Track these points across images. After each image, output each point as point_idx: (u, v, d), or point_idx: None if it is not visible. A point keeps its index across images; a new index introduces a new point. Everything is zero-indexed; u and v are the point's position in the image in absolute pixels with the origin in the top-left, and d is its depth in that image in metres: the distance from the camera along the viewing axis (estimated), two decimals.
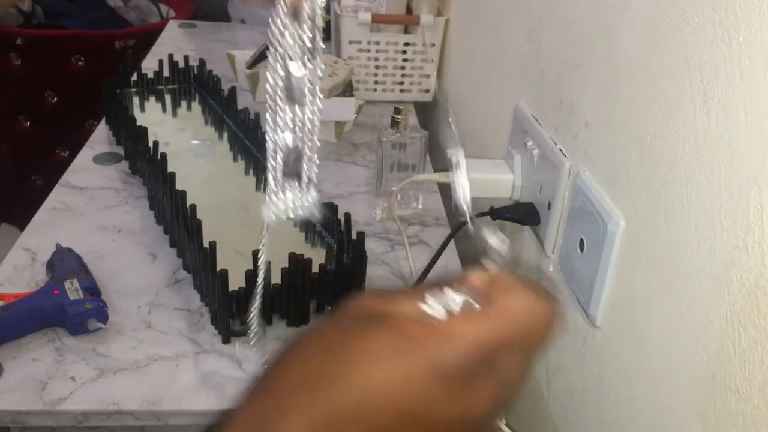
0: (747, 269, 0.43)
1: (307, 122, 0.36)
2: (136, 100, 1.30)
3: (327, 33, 1.54)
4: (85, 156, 1.17)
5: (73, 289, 0.80)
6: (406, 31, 1.34)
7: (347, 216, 0.88)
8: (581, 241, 0.64)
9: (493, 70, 1.00)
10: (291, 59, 0.34)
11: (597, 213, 0.61)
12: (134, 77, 1.32)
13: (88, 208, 1.03)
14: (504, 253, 0.35)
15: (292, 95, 0.35)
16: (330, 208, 0.92)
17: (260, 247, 0.39)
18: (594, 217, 0.61)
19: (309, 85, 0.35)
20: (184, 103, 1.32)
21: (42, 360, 0.75)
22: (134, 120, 1.11)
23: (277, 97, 0.35)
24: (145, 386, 0.73)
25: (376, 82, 1.36)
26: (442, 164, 1.25)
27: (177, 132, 1.22)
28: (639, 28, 0.56)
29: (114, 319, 0.81)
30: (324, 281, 0.83)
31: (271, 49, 0.34)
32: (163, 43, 1.67)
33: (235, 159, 1.15)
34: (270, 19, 0.34)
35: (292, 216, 0.37)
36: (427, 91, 1.38)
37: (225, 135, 1.20)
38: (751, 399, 0.42)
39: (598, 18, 0.64)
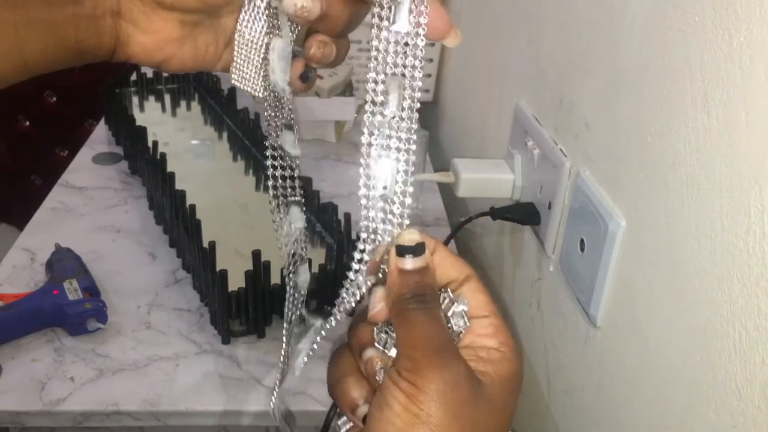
0: (748, 269, 0.43)
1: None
2: (135, 99, 1.30)
3: None
4: (84, 156, 1.17)
5: (72, 290, 0.80)
6: None
7: (347, 216, 0.88)
8: (582, 241, 0.64)
9: (493, 70, 1.00)
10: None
11: (597, 213, 0.61)
12: (134, 77, 1.32)
13: (87, 208, 1.03)
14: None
15: None
16: (330, 208, 0.92)
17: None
18: (594, 217, 0.61)
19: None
20: (183, 103, 1.32)
21: (41, 360, 0.75)
22: (133, 120, 1.11)
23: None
24: (144, 387, 0.73)
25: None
26: (442, 164, 1.25)
27: (176, 132, 1.22)
28: (639, 27, 0.56)
29: (113, 319, 0.81)
30: (324, 281, 0.83)
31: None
32: None
33: (234, 159, 1.15)
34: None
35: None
36: (427, 91, 1.38)
37: (225, 135, 1.20)
38: (752, 399, 0.42)
39: (598, 18, 0.64)
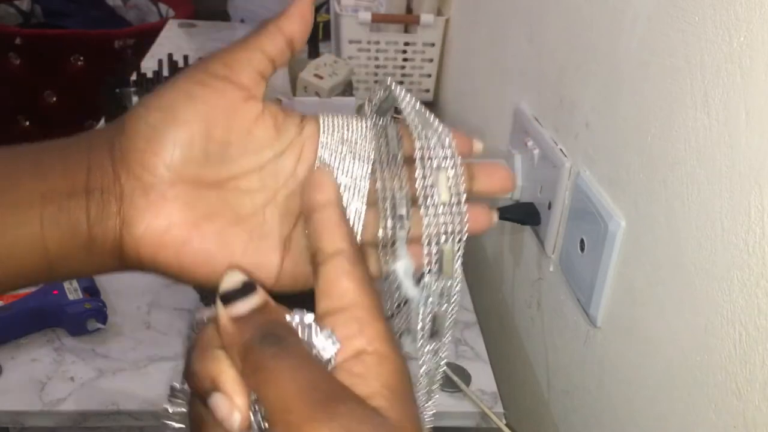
0: (748, 269, 0.43)
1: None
2: (135, 99, 1.30)
3: (327, 32, 1.53)
4: None
5: (72, 289, 0.80)
6: (406, 31, 1.34)
7: None
8: (582, 241, 0.64)
9: (494, 70, 1.00)
10: None
11: (597, 213, 0.61)
12: (134, 77, 1.32)
13: None
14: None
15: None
16: None
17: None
18: (594, 217, 0.61)
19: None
20: None
21: (41, 360, 0.75)
22: None
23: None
24: (144, 387, 0.73)
25: (376, 82, 1.35)
26: None
27: None
28: (640, 27, 0.56)
29: (113, 319, 0.81)
30: None
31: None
32: (162, 42, 1.67)
33: None
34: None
35: None
36: (427, 90, 1.38)
37: None
38: (752, 400, 0.42)
39: (598, 18, 0.64)
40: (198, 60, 0.34)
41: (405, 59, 1.34)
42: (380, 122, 0.37)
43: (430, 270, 0.34)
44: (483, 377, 0.78)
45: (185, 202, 0.33)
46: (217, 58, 0.34)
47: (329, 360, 0.28)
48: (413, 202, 0.35)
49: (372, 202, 0.35)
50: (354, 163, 0.36)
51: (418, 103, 0.36)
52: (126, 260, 0.33)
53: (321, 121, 0.36)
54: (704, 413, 0.47)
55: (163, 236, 0.33)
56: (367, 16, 1.28)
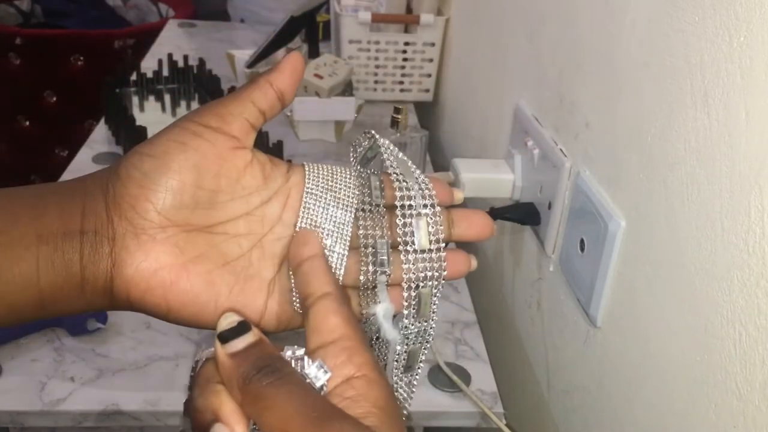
0: (748, 269, 0.43)
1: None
2: (135, 99, 1.30)
3: (327, 32, 1.53)
4: (84, 156, 1.17)
5: None
6: (407, 31, 1.34)
7: None
8: (582, 241, 0.64)
9: (494, 70, 1.00)
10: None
11: (597, 213, 0.61)
12: (133, 77, 1.32)
13: None
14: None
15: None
16: None
17: None
18: (594, 217, 0.61)
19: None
20: (183, 103, 1.32)
21: (41, 360, 0.75)
22: (133, 119, 1.11)
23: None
24: (144, 387, 0.73)
25: (376, 82, 1.35)
26: (442, 164, 1.25)
27: None
28: (640, 27, 0.56)
29: (113, 319, 0.81)
30: None
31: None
32: (162, 42, 1.67)
33: None
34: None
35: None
36: (427, 90, 1.38)
37: None
38: (752, 400, 0.42)
39: (599, 17, 0.64)
40: (191, 111, 0.36)
41: (405, 59, 1.34)
42: (364, 171, 0.39)
43: (408, 313, 0.35)
44: (483, 377, 0.78)
45: (174, 245, 0.35)
46: (209, 109, 0.36)
47: (321, 387, 0.30)
48: (394, 247, 0.36)
49: (354, 247, 0.37)
50: (337, 210, 0.37)
51: (400, 153, 0.37)
52: (116, 300, 0.35)
53: (307, 170, 0.38)
54: (704, 413, 0.47)
55: (151, 277, 0.34)
56: (367, 16, 1.28)
